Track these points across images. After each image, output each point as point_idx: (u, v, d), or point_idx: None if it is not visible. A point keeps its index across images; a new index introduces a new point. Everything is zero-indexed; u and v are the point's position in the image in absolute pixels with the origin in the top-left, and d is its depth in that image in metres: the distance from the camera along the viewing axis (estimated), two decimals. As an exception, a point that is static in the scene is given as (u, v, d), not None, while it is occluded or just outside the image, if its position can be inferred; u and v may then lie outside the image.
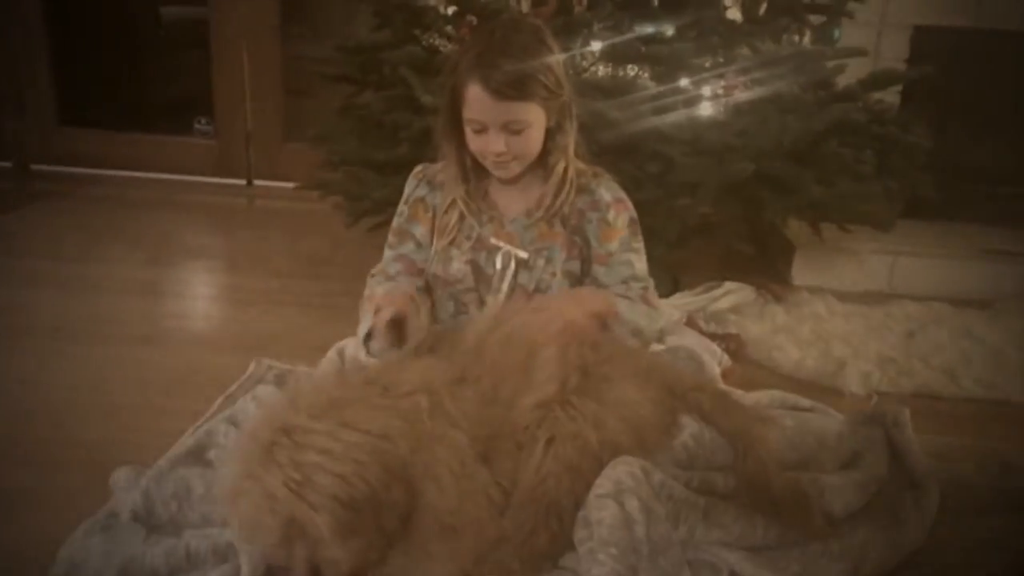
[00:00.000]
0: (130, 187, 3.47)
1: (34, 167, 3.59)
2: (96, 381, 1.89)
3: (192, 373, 1.94)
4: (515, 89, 1.46)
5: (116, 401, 1.80)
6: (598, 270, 1.66)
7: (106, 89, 3.92)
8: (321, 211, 3.10)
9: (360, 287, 1.69)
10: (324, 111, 2.59)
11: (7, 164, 3.56)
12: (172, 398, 1.81)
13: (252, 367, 1.84)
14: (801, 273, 2.76)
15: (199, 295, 2.54)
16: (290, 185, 3.42)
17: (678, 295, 2.43)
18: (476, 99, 1.48)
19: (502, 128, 1.50)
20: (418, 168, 1.72)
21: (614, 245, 1.65)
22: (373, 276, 1.70)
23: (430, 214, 1.69)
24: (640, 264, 1.68)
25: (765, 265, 2.80)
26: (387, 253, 1.72)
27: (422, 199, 1.69)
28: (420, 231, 1.69)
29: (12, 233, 2.91)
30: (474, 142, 1.55)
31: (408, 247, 1.69)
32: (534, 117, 1.51)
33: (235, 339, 2.16)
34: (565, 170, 1.62)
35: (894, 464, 1.56)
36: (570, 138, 1.60)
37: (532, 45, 1.49)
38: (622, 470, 1.27)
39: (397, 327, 1.44)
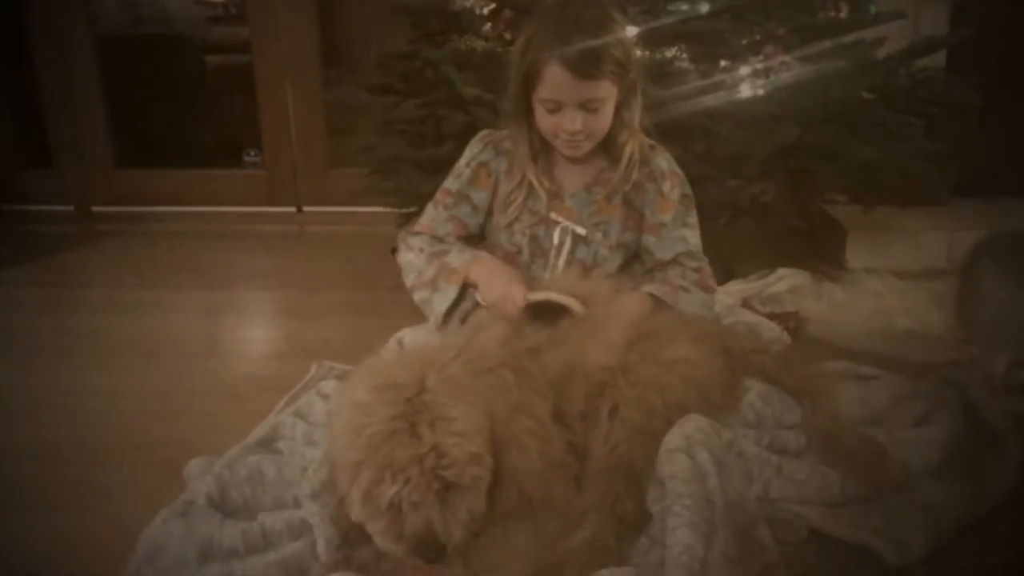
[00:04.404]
0: (186, 221, 3.58)
1: (95, 209, 3.73)
2: (164, 390, 1.94)
3: (254, 379, 1.99)
4: (594, 67, 1.45)
5: (183, 406, 1.85)
6: (650, 240, 1.65)
7: (159, 132, 4.09)
8: (367, 232, 3.18)
9: (405, 296, 1.70)
10: (365, 135, 2.67)
11: (69, 208, 3.71)
12: (236, 401, 1.85)
13: (314, 368, 1.88)
14: (855, 256, 2.68)
15: (256, 310, 2.59)
16: (337, 209, 3.56)
17: (731, 283, 2.40)
18: (555, 78, 1.47)
19: (579, 106, 1.50)
20: (484, 132, 1.71)
21: (667, 216, 1.64)
22: (418, 235, 1.68)
23: (492, 179, 1.67)
24: (695, 239, 1.67)
25: (818, 251, 2.75)
26: (438, 212, 1.69)
27: (486, 164, 1.67)
28: (480, 196, 1.68)
29: (78, 267, 3.01)
30: (546, 121, 1.54)
31: (464, 210, 1.68)
32: (608, 94, 1.51)
33: (292, 347, 2.21)
34: (632, 150, 1.61)
35: (972, 421, 1.51)
36: (636, 113, 1.59)
37: (604, 20, 1.49)
38: (690, 425, 1.26)
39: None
